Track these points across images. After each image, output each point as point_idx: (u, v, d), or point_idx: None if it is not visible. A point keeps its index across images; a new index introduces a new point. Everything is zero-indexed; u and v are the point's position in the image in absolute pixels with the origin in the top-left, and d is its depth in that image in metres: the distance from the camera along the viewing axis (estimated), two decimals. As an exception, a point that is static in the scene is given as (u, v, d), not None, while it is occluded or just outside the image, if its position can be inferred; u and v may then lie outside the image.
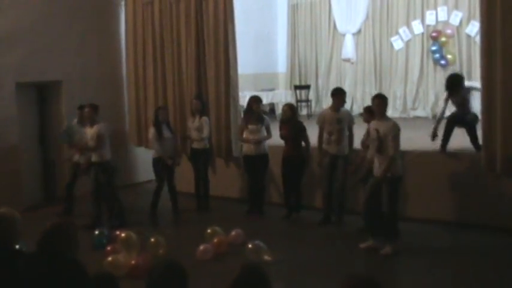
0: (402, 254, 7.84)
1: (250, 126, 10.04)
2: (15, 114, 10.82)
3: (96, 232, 8.63)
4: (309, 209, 10.09)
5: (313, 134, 9.71)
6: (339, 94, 9.41)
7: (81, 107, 10.17)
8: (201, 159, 10.62)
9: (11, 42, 10.69)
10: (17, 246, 4.52)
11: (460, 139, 10.58)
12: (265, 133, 10.08)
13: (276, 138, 10.06)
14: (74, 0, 11.84)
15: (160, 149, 10.14)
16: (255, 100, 10.17)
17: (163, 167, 10.22)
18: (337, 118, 9.21)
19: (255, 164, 10.13)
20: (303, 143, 9.70)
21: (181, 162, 10.84)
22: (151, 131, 10.32)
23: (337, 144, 9.22)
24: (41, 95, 11.98)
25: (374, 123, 8.03)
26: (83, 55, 12.00)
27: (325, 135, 9.29)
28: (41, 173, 11.96)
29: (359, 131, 9.18)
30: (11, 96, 10.78)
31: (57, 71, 11.52)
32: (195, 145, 10.56)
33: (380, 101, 8.06)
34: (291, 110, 9.80)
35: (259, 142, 10.02)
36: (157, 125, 10.20)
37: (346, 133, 9.27)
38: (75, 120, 10.45)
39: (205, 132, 10.52)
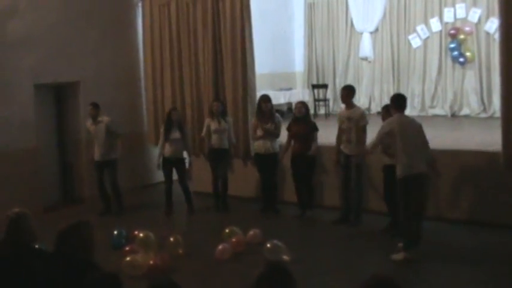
0: (422, 254, 7.69)
1: (261, 125, 10.08)
2: (33, 115, 10.87)
3: (115, 232, 8.66)
4: (323, 208, 10.09)
5: (330, 133, 9.69)
6: (341, 90, 9.55)
7: None
8: (222, 160, 10.63)
9: (28, 45, 10.74)
10: (36, 246, 4.54)
11: (479, 138, 10.52)
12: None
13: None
14: (90, 2, 11.87)
15: (161, 149, 10.49)
16: (262, 99, 10.22)
17: (167, 166, 10.53)
18: (348, 116, 9.19)
19: (265, 163, 10.21)
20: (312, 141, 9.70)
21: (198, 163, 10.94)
22: (161, 131, 10.63)
23: (348, 143, 9.18)
24: (59, 97, 12.04)
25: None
26: (100, 57, 12.03)
27: (342, 135, 9.31)
28: (59, 174, 12.02)
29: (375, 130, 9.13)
30: (29, 98, 10.83)
31: (75, 72, 11.56)
32: (215, 145, 10.52)
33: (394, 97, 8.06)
34: (305, 108, 9.81)
35: (268, 139, 10.05)
36: (167, 125, 10.45)
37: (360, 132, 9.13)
38: None
39: (233, 139, 10.69)
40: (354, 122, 9.10)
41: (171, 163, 10.50)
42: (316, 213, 9.88)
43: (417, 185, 7.57)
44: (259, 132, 10.12)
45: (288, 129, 9.87)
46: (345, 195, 9.47)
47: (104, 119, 10.44)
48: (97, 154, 10.48)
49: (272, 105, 10.27)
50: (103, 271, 3.80)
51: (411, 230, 7.61)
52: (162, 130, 10.60)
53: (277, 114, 10.37)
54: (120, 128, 10.73)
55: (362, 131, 9.10)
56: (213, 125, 10.45)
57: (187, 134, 10.75)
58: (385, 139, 7.68)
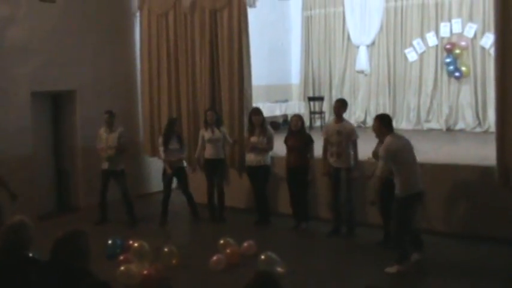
0: (416, 267, 7.72)
1: (252, 138, 10.11)
2: (29, 122, 10.89)
3: (110, 242, 8.65)
4: (317, 220, 10.09)
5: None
6: (335, 102, 9.63)
7: None
8: (218, 170, 10.64)
9: (26, 52, 10.77)
10: (31, 254, 4.54)
11: (473, 152, 10.56)
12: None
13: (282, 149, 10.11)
14: (88, 11, 11.91)
15: (164, 157, 10.44)
16: (253, 112, 10.24)
17: (167, 175, 10.53)
18: (337, 130, 9.21)
19: (256, 175, 10.23)
20: (308, 155, 9.71)
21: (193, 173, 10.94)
22: (160, 140, 10.62)
23: (338, 157, 9.20)
24: (55, 105, 12.06)
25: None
26: (98, 65, 12.06)
27: (329, 147, 9.32)
28: (55, 182, 12.01)
29: (371, 144, 9.16)
30: (25, 106, 10.85)
31: (72, 80, 11.58)
32: (210, 156, 10.53)
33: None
34: (301, 121, 9.84)
35: (259, 152, 10.05)
36: (167, 135, 10.45)
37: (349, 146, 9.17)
38: None
39: (229, 139, 10.75)
40: (344, 136, 9.13)
41: (171, 172, 10.49)
42: (311, 225, 9.87)
43: (416, 203, 7.64)
44: (250, 146, 10.17)
45: (285, 142, 9.90)
46: (335, 208, 9.49)
47: (118, 128, 10.46)
48: (105, 163, 10.43)
49: (264, 118, 10.25)
50: (96, 279, 3.81)
51: (405, 243, 7.63)
52: (160, 140, 10.56)
53: (269, 127, 10.35)
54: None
55: (354, 146, 9.17)
56: (207, 135, 10.47)
57: (185, 145, 10.77)
58: (390, 161, 7.60)
